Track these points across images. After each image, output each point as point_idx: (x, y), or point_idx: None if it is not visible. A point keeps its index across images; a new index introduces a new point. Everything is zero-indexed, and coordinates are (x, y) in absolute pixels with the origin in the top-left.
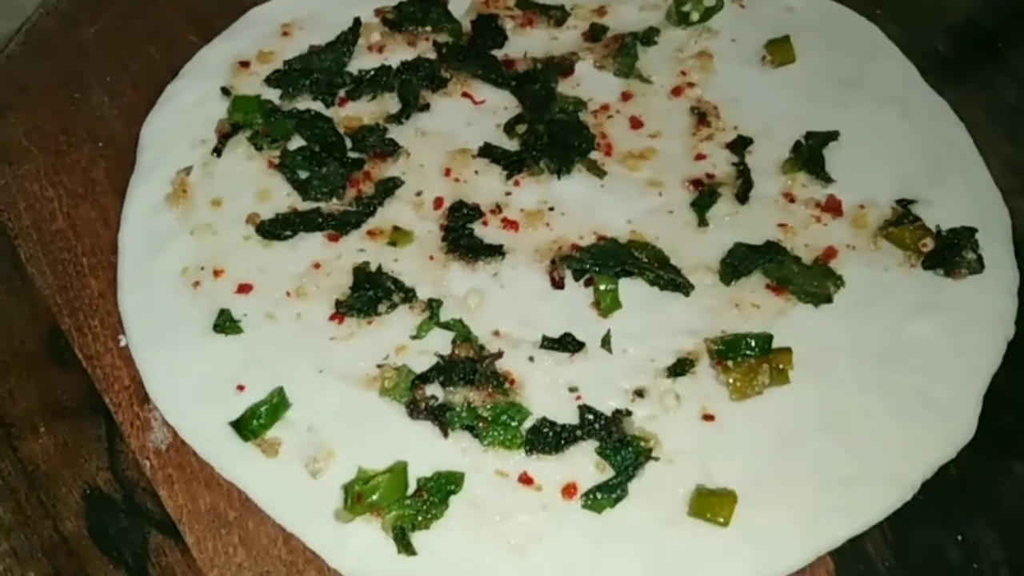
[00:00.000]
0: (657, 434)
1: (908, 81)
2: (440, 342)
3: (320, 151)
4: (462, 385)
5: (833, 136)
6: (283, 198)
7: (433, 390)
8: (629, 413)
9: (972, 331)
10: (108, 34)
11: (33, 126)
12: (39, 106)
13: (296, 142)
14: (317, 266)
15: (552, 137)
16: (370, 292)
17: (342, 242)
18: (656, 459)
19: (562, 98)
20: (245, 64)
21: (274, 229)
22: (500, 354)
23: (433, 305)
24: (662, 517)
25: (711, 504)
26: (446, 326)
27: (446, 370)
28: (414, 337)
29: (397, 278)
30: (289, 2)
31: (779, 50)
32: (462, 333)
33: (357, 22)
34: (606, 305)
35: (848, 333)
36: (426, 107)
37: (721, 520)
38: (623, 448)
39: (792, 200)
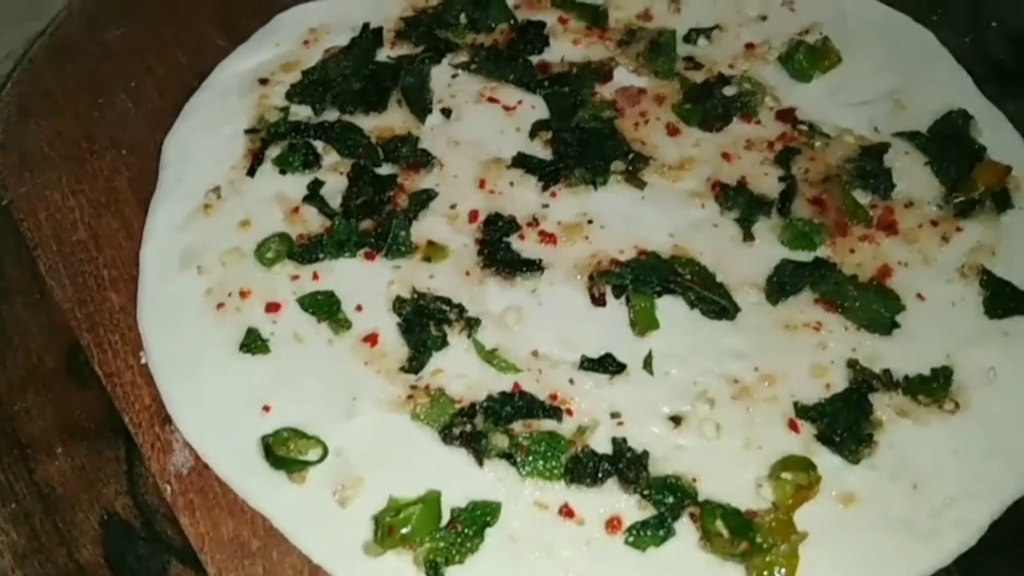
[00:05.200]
0: (699, 473)
1: (962, 91)
2: (479, 367)
3: (350, 187)
4: (514, 422)
5: (884, 148)
6: (315, 217)
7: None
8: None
9: None
10: (134, 37)
11: (55, 132)
12: (62, 112)
13: (330, 155)
14: None
15: (582, 145)
16: (427, 330)
17: (378, 260)
18: (697, 504)
19: (592, 104)
20: (264, 81)
21: (306, 254)
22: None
23: (471, 324)
24: (714, 557)
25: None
26: (488, 356)
27: (495, 411)
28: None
29: (441, 296)
30: (318, 6)
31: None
32: (500, 367)
33: (365, 28)
34: (642, 324)
35: (905, 360)
36: (449, 112)
37: None
38: (663, 488)
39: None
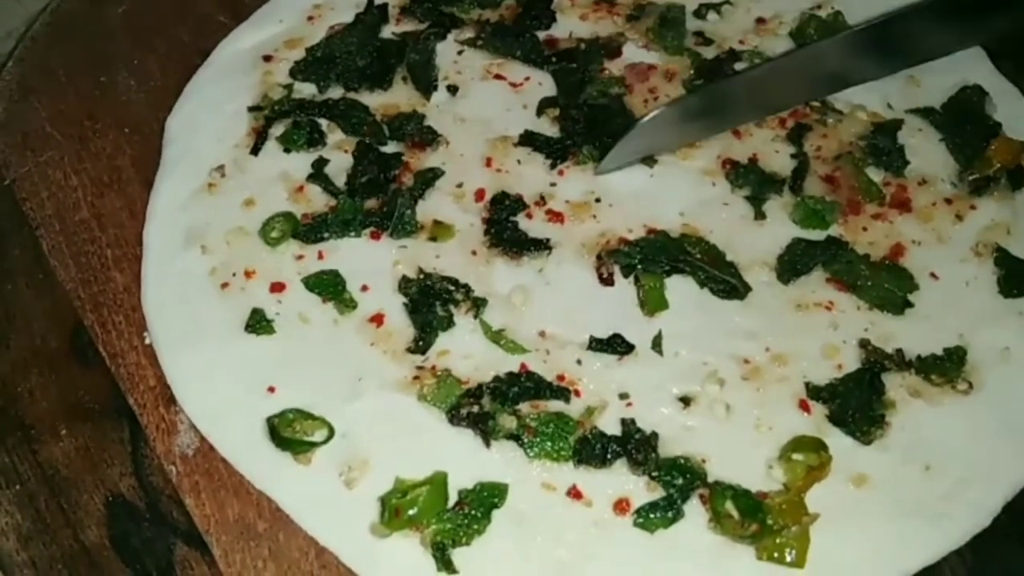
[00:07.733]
0: (709, 454)
1: (977, 66)
2: (486, 348)
3: (355, 166)
4: (521, 402)
5: (897, 125)
6: (320, 196)
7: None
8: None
9: None
10: (136, 14)
11: (57, 111)
12: (63, 90)
13: (334, 132)
14: None
15: (590, 122)
16: (433, 310)
17: (383, 239)
18: (707, 485)
19: (601, 80)
20: (268, 58)
21: (311, 233)
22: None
23: (478, 304)
24: (724, 539)
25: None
26: (495, 337)
27: (502, 392)
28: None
29: (448, 276)
30: None
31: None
32: (508, 348)
33: (370, 4)
34: (651, 304)
35: (918, 340)
36: (455, 89)
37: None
38: (672, 469)
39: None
